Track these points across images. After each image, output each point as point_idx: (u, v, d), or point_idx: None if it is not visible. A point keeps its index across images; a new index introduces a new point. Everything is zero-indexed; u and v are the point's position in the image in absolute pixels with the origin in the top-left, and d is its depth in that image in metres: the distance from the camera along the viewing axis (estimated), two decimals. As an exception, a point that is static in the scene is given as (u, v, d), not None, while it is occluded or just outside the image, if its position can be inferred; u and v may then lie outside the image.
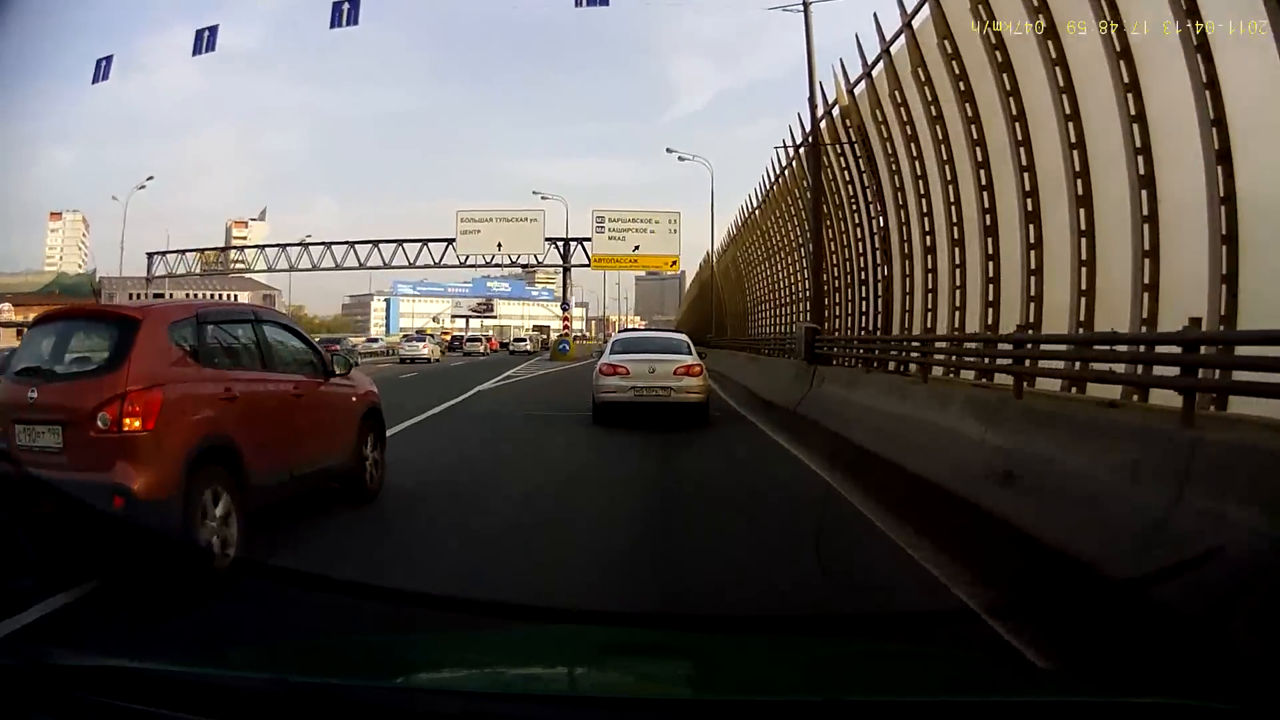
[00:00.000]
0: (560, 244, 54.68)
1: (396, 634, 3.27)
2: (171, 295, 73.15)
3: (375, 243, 54.40)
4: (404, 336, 58.87)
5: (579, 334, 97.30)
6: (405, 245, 54.01)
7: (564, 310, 55.79)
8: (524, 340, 68.99)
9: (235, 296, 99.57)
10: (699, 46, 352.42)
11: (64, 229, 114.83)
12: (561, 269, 55.88)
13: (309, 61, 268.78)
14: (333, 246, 54.86)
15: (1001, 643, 3.74)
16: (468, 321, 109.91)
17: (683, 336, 15.97)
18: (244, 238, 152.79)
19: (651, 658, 2.42)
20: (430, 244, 53.99)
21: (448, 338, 72.68)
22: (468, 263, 55.20)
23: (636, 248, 53.24)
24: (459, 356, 54.99)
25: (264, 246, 60.32)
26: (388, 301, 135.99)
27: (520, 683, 2.18)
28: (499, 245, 53.59)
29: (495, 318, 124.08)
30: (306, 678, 1.88)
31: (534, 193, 55.81)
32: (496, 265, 54.32)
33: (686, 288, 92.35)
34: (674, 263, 56.10)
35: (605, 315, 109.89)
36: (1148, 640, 3.33)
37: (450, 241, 54.25)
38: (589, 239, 54.01)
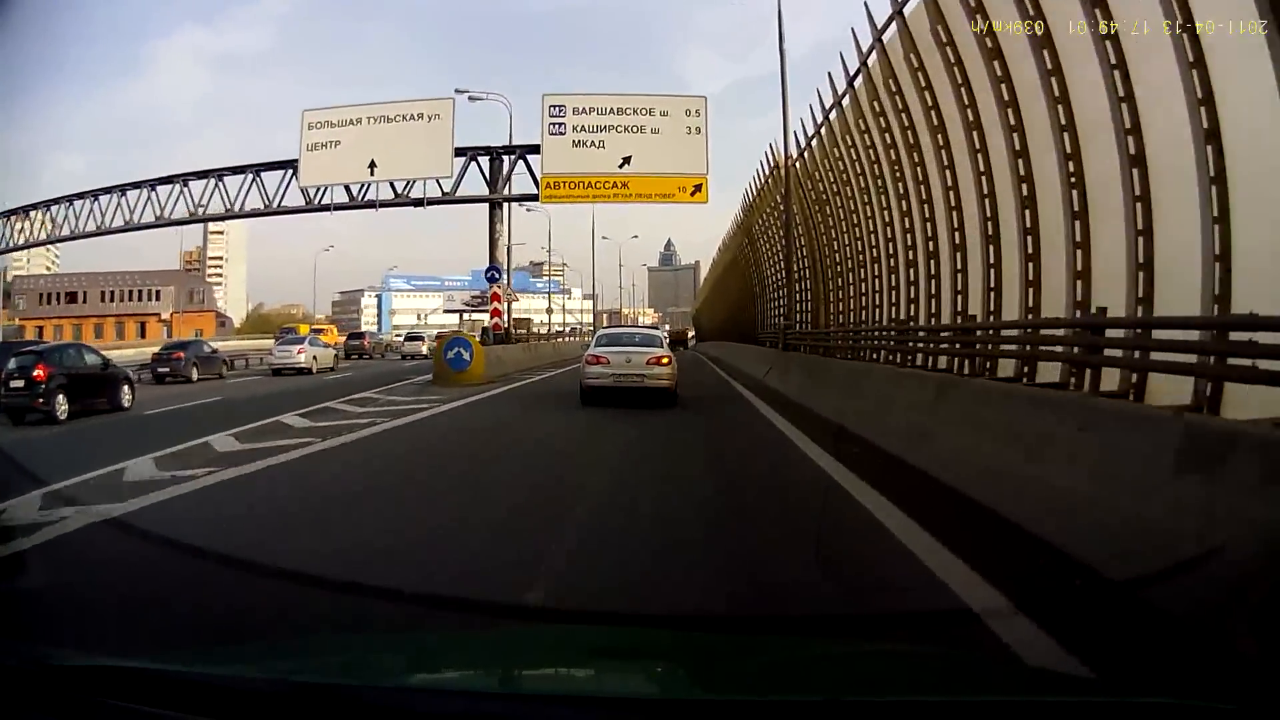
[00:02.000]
0: (485, 158, 29.48)
1: (397, 634, 3.26)
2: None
3: (182, 179, 27.63)
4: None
5: (557, 328, 70.41)
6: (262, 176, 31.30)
7: (491, 281, 28.67)
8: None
9: (156, 293, 76.73)
10: (705, 39, 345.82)
11: (29, 229, 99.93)
12: (487, 204, 28.01)
13: (313, 57, 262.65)
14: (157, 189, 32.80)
15: (1001, 643, 3.59)
16: (461, 317, 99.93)
17: (657, 331, 20.16)
18: (221, 232, 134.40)
19: (651, 658, 2.41)
20: (264, 173, 26.70)
21: (396, 337, 58.12)
22: (321, 202, 27.76)
23: (626, 161, 27.10)
24: (395, 359, 42.06)
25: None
26: (379, 297, 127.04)
27: (520, 683, 2.18)
28: (371, 166, 27.77)
29: (488, 313, 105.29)
30: (306, 677, 1.89)
31: (457, 90, 30.22)
32: (369, 205, 26.54)
33: (704, 276, 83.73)
34: (698, 188, 28.72)
35: (597, 307, 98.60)
36: (1147, 640, 3.32)
37: (290, 166, 26.82)
38: (537, 147, 26.16)
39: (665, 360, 15.11)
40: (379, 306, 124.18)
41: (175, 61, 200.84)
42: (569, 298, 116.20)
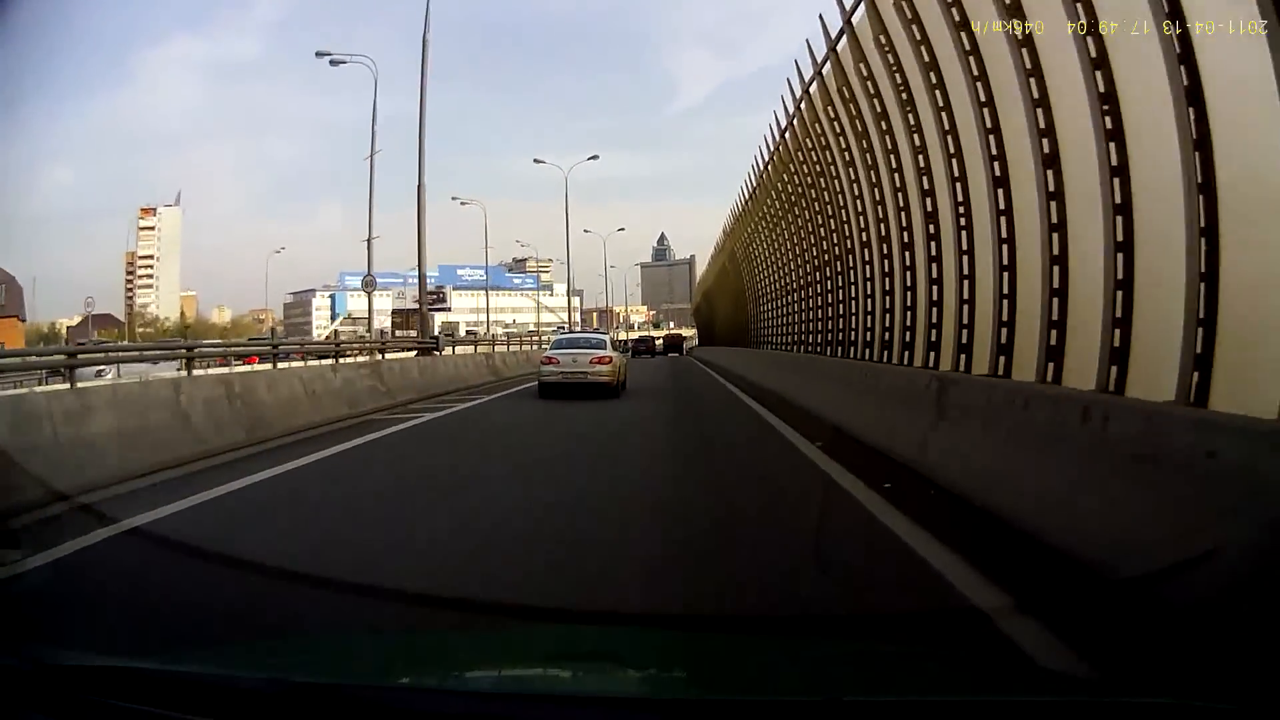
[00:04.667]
0: None
1: (397, 633, 3.23)
2: None
3: None
4: None
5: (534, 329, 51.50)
6: None
7: None
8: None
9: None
10: (698, 38, 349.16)
11: None
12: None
13: (306, 66, 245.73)
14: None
15: (1002, 643, 3.60)
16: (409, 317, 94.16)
17: (605, 336, 22.12)
18: (152, 228, 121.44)
19: (652, 658, 2.41)
20: None
21: None
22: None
23: None
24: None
25: None
26: (332, 297, 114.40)
27: (520, 683, 2.19)
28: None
29: (449, 310, 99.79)
30: (306, 677, 1.89)
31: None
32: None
33: (702, 269, 71.76)
34: None
35: (595, 306, 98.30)
36: (1148, 641, 3.33)
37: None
38: None
39: (606, 360, 18.05)
40: (332, 307, 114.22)
41: (166, 70, 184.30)
42: (550, 294, 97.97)
